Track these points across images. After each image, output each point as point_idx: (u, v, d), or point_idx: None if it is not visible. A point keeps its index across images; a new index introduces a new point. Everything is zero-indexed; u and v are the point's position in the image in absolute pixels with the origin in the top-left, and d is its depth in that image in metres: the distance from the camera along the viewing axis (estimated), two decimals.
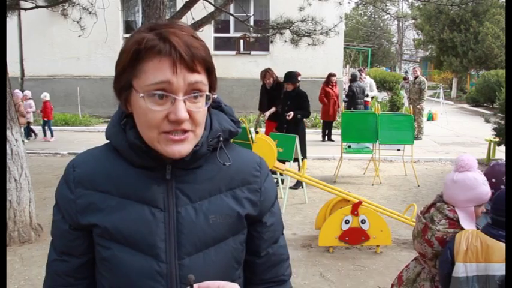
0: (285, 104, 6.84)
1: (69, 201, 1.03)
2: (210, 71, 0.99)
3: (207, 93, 0.98)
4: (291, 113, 6.59)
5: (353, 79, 11.40)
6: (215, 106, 1.10)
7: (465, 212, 2.23)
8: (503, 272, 1.85)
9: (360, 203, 4.39)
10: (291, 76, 6.83)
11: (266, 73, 7.31)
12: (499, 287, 1.90)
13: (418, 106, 10.93)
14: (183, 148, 0.95)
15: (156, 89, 0.92)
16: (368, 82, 13.16)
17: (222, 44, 13.50)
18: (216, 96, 1.02)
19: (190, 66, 0.93)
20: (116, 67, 0.98)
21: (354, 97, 11.13)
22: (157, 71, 0.92)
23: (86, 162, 1.05)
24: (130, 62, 0.94)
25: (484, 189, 2.23)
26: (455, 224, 2.19)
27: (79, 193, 1.02)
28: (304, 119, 7.12)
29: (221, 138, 1.05)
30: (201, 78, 0.95)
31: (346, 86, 15.18)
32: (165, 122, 0.93)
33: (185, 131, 0.95)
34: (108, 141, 1.07)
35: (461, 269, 1.97)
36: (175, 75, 0.92)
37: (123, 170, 1.02)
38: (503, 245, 1.89)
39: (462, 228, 2.14)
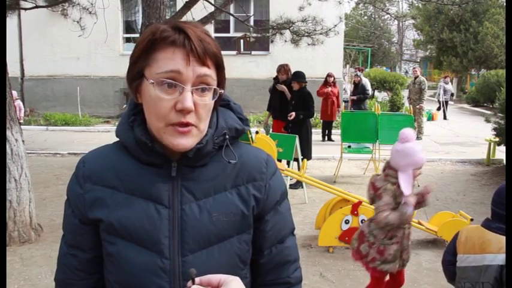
0: (290, 103, 6.84)
1: (79, 196, 1.05)
2: (219, 67, 1.01)
3: (215, 87, 0.99)
4: (293, 114, 6.59)
5: (360, 79, 11.50)
6: (224, 104, 1.11)
7: (406, 174, 2.81)
8: (497, 263, 1.99)
9: (360, 203, 4.39)
10: (298, 75, 6.81)
11: (281, 68, 7.21)
12: (494, 279, 2.00)
13: (418, 106, 10.92)
14: (186, 141, 0.97)
15: (166, 77, 0.94)
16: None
17: (222, 44, 13.49)
18: (222, 91, 1.03)
19: (201, 59, 0.95)
20: (130, 58, 1.01)
21: (366, 97, 11.27)
22: (170, 61, 0.94)
23: (95, 159, 1.08)
24: (144, 52, 0.97)
25: (420, 156, 2.83)
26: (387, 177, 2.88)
27: (87, 188, 1.05)
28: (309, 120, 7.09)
29: (227, 136, 1.05)
30: (210, 72, 0.97)
31: (347, 86, 15.21)
32: (172, 112, 0.95)
33: (188, 125, 0.96)
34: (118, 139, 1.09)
35: (460, 259, 2.16)
36: (187, 66, 0.94)
37: (131, 166, 1.04)
38: (500, 237, 2.00)
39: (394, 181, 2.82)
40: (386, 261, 2.86)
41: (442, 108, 15.57)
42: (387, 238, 2.87)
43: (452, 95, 16.49)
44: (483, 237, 2.09)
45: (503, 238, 1.99)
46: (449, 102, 16.48)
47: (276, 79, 7.48)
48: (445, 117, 15.34)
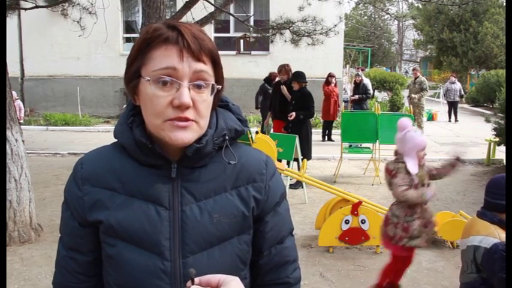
0: (290, 103, 6.84)
1: (77, 198, 1.04)
2: (216, 64, 1.00)
3: (212, 83, 0.98)
4: (293, 114, 6.59)
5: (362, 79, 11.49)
6: (222, 105, 1.10)
7: (411, 157, 3.16)
8: (472, 243, 2.21)
9: (359, 203, 4.39)
10: (298, 75, 6.82)
11: (282, 68, 7.26)
12: (470, 260, 2.22)
13: (412, 96, 10.92)
14: (185, 135, 0.95)
15: (161, 74, 0.93)
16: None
17: (222, 44, 13.49)
18: (220, 87, 1.02)
19: (196, 54, 0.94)
20: (127, 60, 1.01)
21: (368, 97, 11.37)
22: (164, 58, 0.94)
23: (94, 160, 1.07)
24: (139, 51, 0.97)
25: (418, 139, 3.16)
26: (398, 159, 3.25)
27: (86, 190, 1.03)
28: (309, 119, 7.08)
29: (227, 137, 1.05)
30: (206, 68, 0.97)
31: (347, 86, 15.21)
32: (169, 109, 0.94)
33: (188, 120, 0.95)
34: (116, 140, 1.08)
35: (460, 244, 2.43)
36: (181, 62, 0.93)
37: (130, 168, 1.03)
38: (482, 222, 2.25)
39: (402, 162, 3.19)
40: (413, 236, 3.17)
41: (449, 110, 15.03)
42: (408, 215, 3.18)
43: (461, 96, 15.48)
44: (471, 223, 2.34)
45: (482, 222, 2.23)
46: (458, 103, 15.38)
47: (266, 80, 7.48)
48: (450, 119, 14.83)
